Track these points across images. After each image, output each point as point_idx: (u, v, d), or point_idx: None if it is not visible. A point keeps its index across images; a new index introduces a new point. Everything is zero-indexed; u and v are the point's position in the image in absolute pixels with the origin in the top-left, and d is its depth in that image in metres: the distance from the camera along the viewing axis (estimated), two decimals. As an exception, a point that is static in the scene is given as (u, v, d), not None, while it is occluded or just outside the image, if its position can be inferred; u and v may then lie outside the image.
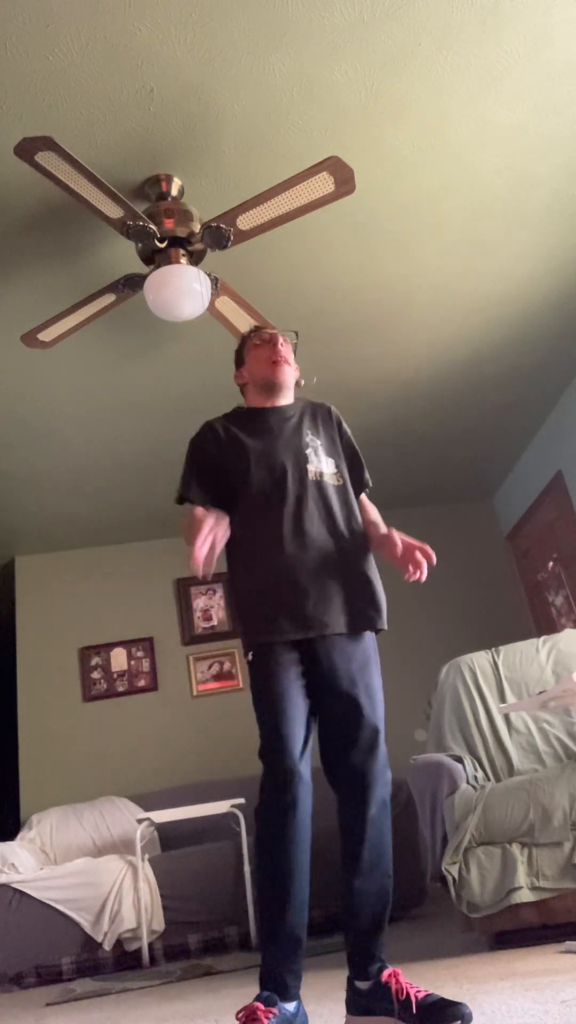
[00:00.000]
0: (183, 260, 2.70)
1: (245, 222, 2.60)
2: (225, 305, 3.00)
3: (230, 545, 1.94)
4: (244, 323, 3.08)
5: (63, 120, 2.41)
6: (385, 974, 1.56)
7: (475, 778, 2.78)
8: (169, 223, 2.65)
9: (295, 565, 1.83)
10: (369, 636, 1.86)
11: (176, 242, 2.69)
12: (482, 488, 5.61)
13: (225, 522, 1.84)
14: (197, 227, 2.69)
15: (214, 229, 2.63)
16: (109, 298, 2.89)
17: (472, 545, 5.60)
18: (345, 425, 2.14)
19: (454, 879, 2.43)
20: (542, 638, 3.25)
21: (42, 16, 2.13)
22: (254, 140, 2.60)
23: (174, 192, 2.69)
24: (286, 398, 2.11)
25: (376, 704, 1.78)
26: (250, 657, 1.85)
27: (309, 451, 1.98)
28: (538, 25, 2.39)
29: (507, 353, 4.06)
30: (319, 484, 1.94)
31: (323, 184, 2.51)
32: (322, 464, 1.98)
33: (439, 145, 2.76)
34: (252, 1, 2.19)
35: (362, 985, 1.60)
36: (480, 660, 3.21)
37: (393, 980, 1.54)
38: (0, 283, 3.01)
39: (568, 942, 2.17)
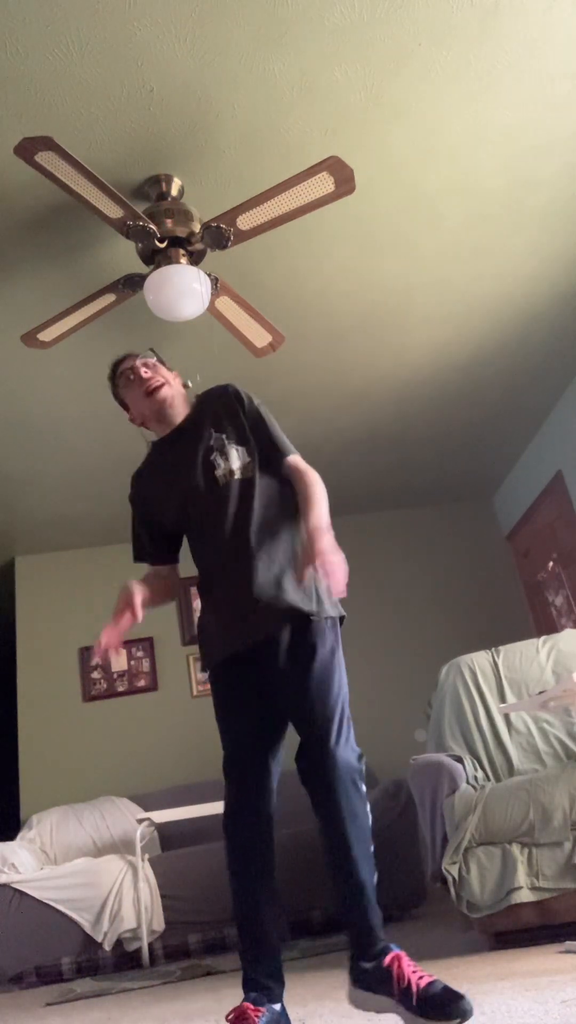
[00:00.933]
0: (183, 260, 2.70)
1: (245, 222, 2.60)
2: (225, 305, 3.00)
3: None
4: (244, 323, 3.08)
5: (63, 120, 2.41)
6: (388, 958, 1.53)
7: (475, 778, 2.78)
8: (169, 223, 2.65)
9: (222, 580, 1.85)
10: (315, 628, 1.77)
11: (176, 242, 2.69)
12: (482, 488, 5.61)
13: (139, 601, 1.85)
14: (197, 227, 2.69)
15: (214, 229, 2.63)
16: (109, 298, 2.89)
17: (472, 545, 5.60)
18: (246, 397, 2.00)
19: (454, 879, 2.43)
20: (542, 638, 3.25)
21: (42, 16, 2.13)
22: (254, 140, 2.60)
23: (174, 192, 2.69)
24: (182, 412, 2.05)
25: (326, 692, 1.72)
26: (208, 678, 1.89)
27: (214, 455, 1.92)
28: (538, 25, 2.39)
29: (507, 353, 4.06)
30: (229, 487, 1.89)
31: (323, 184, 2.50)
32: (230, 461, 1.91)
33: (439, 145, 2.76)
34: (252, 1, 2.19)
35: (365, 964, 1.57)
36: (480, 660, 3.21)
37: (395, 965, 1.51)
38: (0, 283, 3.01)
39: (568, 942, 2.17)
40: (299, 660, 1.75)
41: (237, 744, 1.80)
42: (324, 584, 1.69)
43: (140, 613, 1.86)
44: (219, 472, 1.91)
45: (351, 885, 1.63)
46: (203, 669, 1.90)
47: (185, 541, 2.05)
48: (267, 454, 1.94)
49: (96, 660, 1.82)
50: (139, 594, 1.88)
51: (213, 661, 1.86)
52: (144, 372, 2.05)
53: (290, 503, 1.89)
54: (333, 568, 1.59)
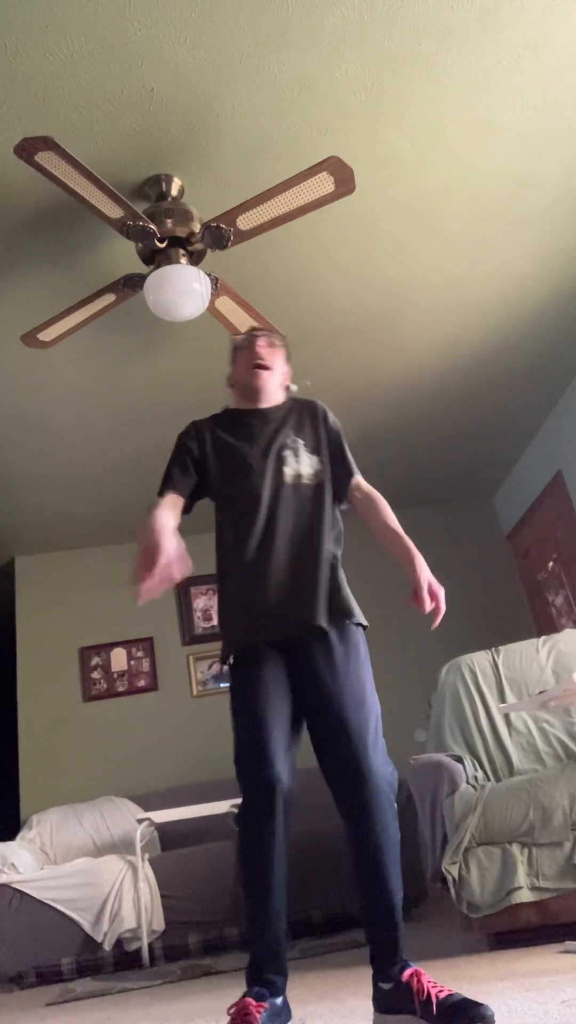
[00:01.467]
0: (183, 260, 2.70)
1: (245, 222, 2.60)
2: (225, 305, 3.00)
3: (216, 547, 1.99)
4: (244, 323, 3.08)
5: (63, 120, 2.41)
6: (406, 974, 1.56)
7: (475, 778, 2.78)
8: (169, 223, 2.65)
9: (267, 568, 1.85)
10: (351, 633, 1.85)
11: (176, 242, 2.69)
12: (482, 488, 5.61)
13: (185, 560, 1.78)
14: (197, 227, 2.69)
15: (214, 229, 2.63)
16: (109, 298, 2.89)
17: (472, 545, 5.60)
18: (331, 417, 2.12)
19: (454, 879, 2.43)
20: (542, 638, 3.25)
21: (42, 16, 2.13)
22: (254, 140, 2.60)
23: (174, 192, 2.69)
24: (268, 401, 2.11)
25: (361, 701, 1.75)
26: (230, 661, 1.87)
27: (287, 453, 1.98)
28: (538, 25, 2.39)
29: (507, 353, 4.06)
30: (295, 487, 1.94)
31: (323, 184, 2.50)
32: (301, 465, 1.98)
33: (439, 145, 2.76)
34: (252, 1, 2.19)
35: (385, 986, 1.60)
36: (480, 660, 3.21)
37: (415, 980, 1.53)
38: (0, 283, 3.01)
39: (568, 942, 2.17)
40: (334, 659, 1.78)
41: (263, 727, 1.74)
42: (437, 615, 1.89)
43: (173, 542, 1.75)
44: (288, 469, 1.96)
45: (382, 900, 1.65)
46: (228, 651, 1.86)
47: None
48: (338, 471, 2.04)
49: (141, 600, 1.70)
50: (170, 519, 1.81)
51: (248, 640, 1.83)
52: (261, 347, 2.11)
53: (335, 529, 1.98)
54: (442, 599, 1.88)
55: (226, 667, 1.89)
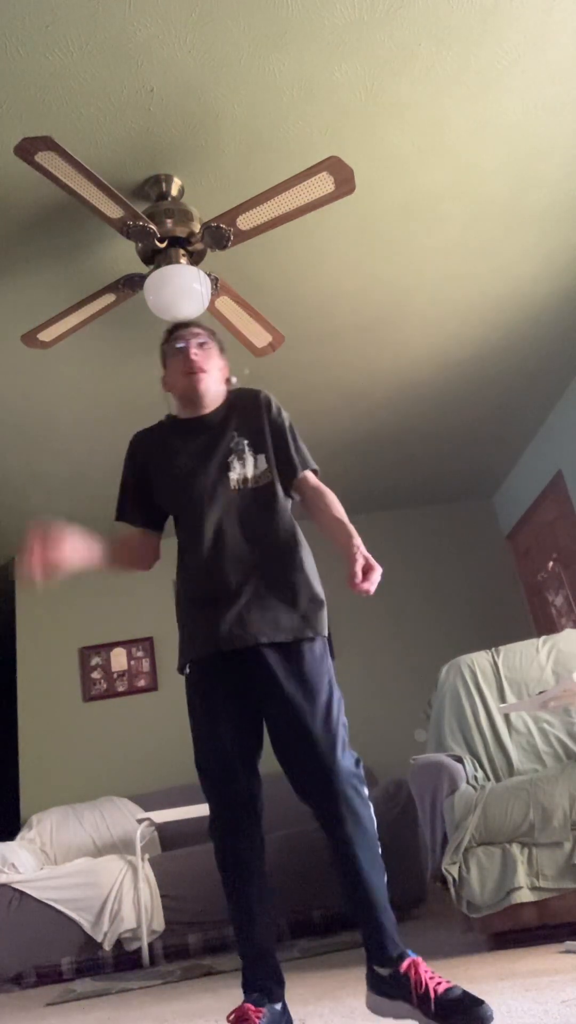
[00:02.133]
0: (183, 260, 2.70)
1: (245, 222, 2.60)
2: (225, 305, 3.00)
3: (178, 564, 1.96)
4: (244, 323, 3.08)
5: (63, 120, 2.41)
6: (405, 964, 1.53)
7: (475, 778, 2.78)
8: (169, 223, 2.65)
9: (218, 580, 1.81)
10: (307, 644, 1.77)
11: (176, 242, 2.69)
12: (482, 488, 5.61)
13: (81, 551, 1.80)
14: (197, 227, 2.69)
15: (214, 229, 2.63)
16: (109, 298, 2.89)
17: (472, 545, 5.60)
18: (275, 408, 2.00)
19: (454, 879, 2.43)
20: (542, 638, 3.25)
21: (42, 16, 2.13)
22: (254, 140, 2.60)
23: (174, 192, 2.69)
24: (210, 406, 2.01)
25: (319, 705, 1.70)
26: (185, 672, 1.85)
27: (231, 458, 1.91)
28: (538, 25, 2.39)
29: (507, 353, 4.06)
30: (241, 493, 1.88)
31: (323, 184, 2.50)
32: (247, 467, 1.90)
33: (439, 145, 2.75)
34: (252, 1, 2.19)
35: (382, 971, 1.57)
36: (480, 660, 3.21)
37: (412, 971, 1.50)
38: (0, 283, 3.01)
39: (568, 942, 2.17)
40: (288, 662, 1.73)
41: (221, 751, 1.74)
42: (369, 586, 1.73)
43: (61, 556, 1.78)
44: (233, 475, 1.90)
45: (362, 891, 1.63)
46: (181, 665, 1.85)
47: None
48: (283, 466, 1.94)
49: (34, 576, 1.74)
50: (69, 540, 1.80)
51: (198, 654, 1.80)
52: (194, 352, 1.99)
53: (293, 525, 1.89)
54: (377, 577, 1.73)
55: (183, 677, 1.86)
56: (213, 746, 1.76)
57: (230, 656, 1.77)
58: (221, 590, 1.81)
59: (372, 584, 1.73)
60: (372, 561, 1.76)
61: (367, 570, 1.74)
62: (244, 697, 1.77)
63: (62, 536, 1.81)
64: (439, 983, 1.47)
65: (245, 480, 1.89)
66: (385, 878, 1.66)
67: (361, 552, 1.77)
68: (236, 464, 1.91)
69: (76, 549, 1.84)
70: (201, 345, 2.02)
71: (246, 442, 1.94)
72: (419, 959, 1.53)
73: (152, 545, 2.06)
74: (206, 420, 2.00)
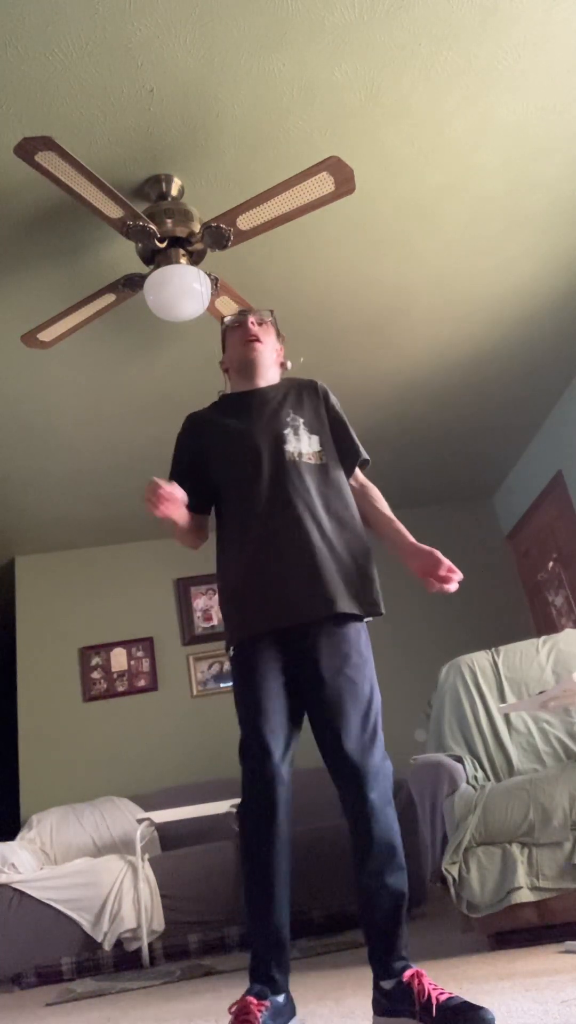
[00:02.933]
0: (183, 260, 2.70)
1: (245, 222, 2.60)
2: (225, 305, 3.00)
3: (217, 539, 1.96)
4: (244, 323, 3.08)
5: (63, 120, 2.41)
6: (408, 974, 1.53)
7: (475, 778, 2.78)
8: (169, 223, 2.65)
9: (270, 553, 1.81)
10: (355, 625, 1.80)
11: (176, 242, 2.70)
12: (482, 488, 5.61)
13: (182, 508, 1.84)
14: (197, 227, 2.69)
15: (214, 229, 2.63)
16: (109, 298, 2.89)
17: (472, 545, 5.60)
18: (333, 398, 2.09)
19: (454, 879, 2.43)
20: (542, 638, 3.25)
21: (42, 16, 2.13)
22: (254, 140, 2.60)
23: (174, 192, 2.69)
24: (266, 379, 2.08)
25: (362, 698, 1.73)
26: (231, 652, 1.84)
27: (288, 431, 1.94)
28: (539, 25, 2.39)
29: (507, 353, 4.06)
30: (296, 465, 1.89)
31: (323, 184, 2.50)
32: (302, 444, 1.93)
33: (439, 145, 2.76)
34: (252, 1, 2.19)
35: (386, 984, 1.57)
36: (480, 660, 3.21)
37: (415, 980, 1.50)
38: (0, 283, 3.01)
39: (568, 942, 2.17)
40: (338, 653, 1.74)
41: (263, 720, 1.73)
42: (450, 587, 1.85)
43: (182, 510, 1.82)
44: (288, 447, 1.91)
45: (387, 899, 1.64)
46: (231, 640, 1.84)
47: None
48: (343, 450, 2.00)
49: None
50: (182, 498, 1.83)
51: (244, 634, 1.80)
52: (252, 323, 2.09)
53: (351, 503, 1.93)
54: (456, 573, 1.86)
55: (229, 656, 1.86)
56: (257, 722, 1.74)
57: (280, 637, 1.78)
58: (274, 562, 1.80)
59: (454, 580, 1.86)
60: (446, 562, 1.87)
61: (451, 571, 1.85)
62: (288, 678, 1.78)
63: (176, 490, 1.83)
64: (441, 993, 1.48)
65: (300, 454, 1.92)
66: (407, 887, 1.68)
67: (440, 557, 1.87)
68: (292, 438, 1.93)
69: (183, 513, 1.86)
70: (260, 322, 2.12)
71: (302, 420, 1.98)
72: (422, 970, 1.54)
73: (204, 525, 2.03)
74: (263, 392, 2.04)
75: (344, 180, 2.51)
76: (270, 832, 1.69)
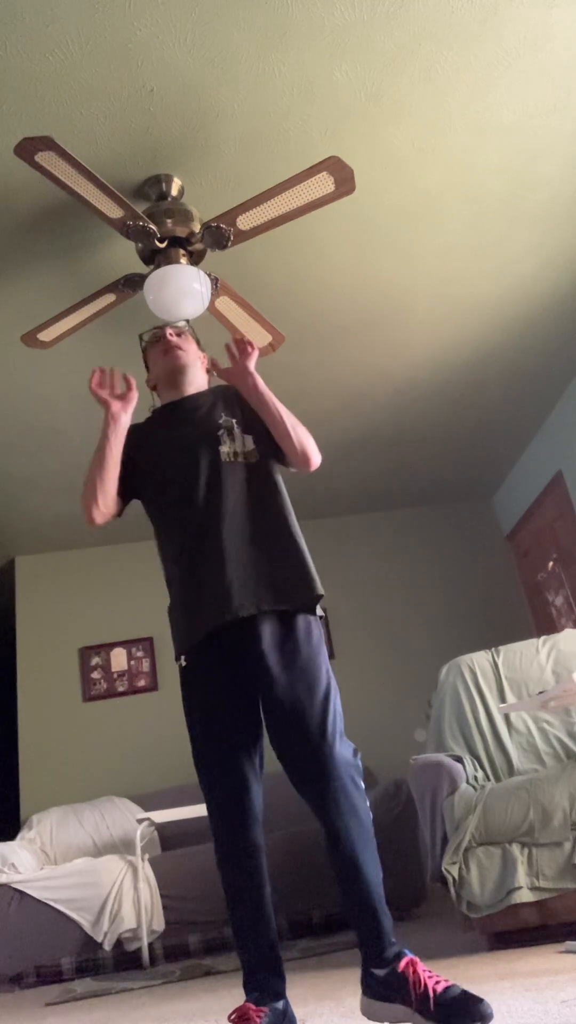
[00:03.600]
0: (183, 260, 2.70)
1: (245, 222, 2.60)
2: (225, 305, 3.00)
3: (159, 550, 1.96)
4: (244, 323, 3.08)
5: (63, 120, 2.41)
6: (403, 963, 1.49)
7: (475, 778, 2.78)
8: (169, 223, 2.65)
9: (211, 554, 1.81)
10: (302, 618, 1.78)
11: (176, 242, 2.69)
12: (482, 488, 5.61)
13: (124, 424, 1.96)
14: (197, 227, 2.69)
15: (214, 229, 2.63)
16: (109, 298, 2.89)
17: (472, 545, 5.60)
18: None
19: (454, 879, 2.43)
20: (542, 638, 3.25)
21: (42, 16, 2.13)
22: (254, 140, 2.60)
23: (174, 192, 2.69)
24: (195, 385, 2.10)
25: (318, 690, 1.70)
26: (181, 663, 1.83)
27: (222, 432, 1.95)
28: (538, 25, 2.39)
29: (507, 353, 4.06)
30: (232, 466, 1.90)
31: (323, 184, 2.50)
32: (236, 443, 1.94)
33: (439, 145, 2.76)
34: (252, 1, 2.19)
35: (378, 972, 1.53)
36: (480, 660, 3.21)
37: (411, 970, 1.47)
38: (0, 283, 3.01)
39: (568, 942, 2.17)
40: (284, 649, 1.73)
41: (220, 743, 1.74)
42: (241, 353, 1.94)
43: (119, 409, 1.95)
44: (224, 448, 1.92)
45: (359, 887, 1.60)
46: (177, 655, 1.84)
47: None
48: (272, 445, 1.98)
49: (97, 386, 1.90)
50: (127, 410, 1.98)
51: (192, 640, 1.79)
52: (170, 335, 2.12)
53: (286, 499, 1.93)
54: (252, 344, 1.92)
55: (180, 666, 1.84)
56: (211, 738, 1.75)
57: (227, 638, 1.76)
58: (215, 563, 1.80)
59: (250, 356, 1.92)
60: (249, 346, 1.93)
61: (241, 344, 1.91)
62: (241, 686, 1.77)
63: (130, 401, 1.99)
64: (438, 982, 1.44)
65: (236, 455, 1.93)
66: (381, 875, 1.63)
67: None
68: (226, 439, 1.94)
69: (123, 421, 1.96)
70: (178, 333, 2.15)
71: (234, 421, 1.99)
72: (416, 958, 1.51)
73: (114, 503, 1.99)
74: (192, 400, 2.06)
75: (344, 180, 2.50)
76: (243, 854, 1.70)
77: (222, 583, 1.77)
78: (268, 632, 1.75)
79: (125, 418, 1.95)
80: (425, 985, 1.43)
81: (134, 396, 1.99)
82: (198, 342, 2.22)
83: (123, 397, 1.98)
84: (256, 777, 1.75)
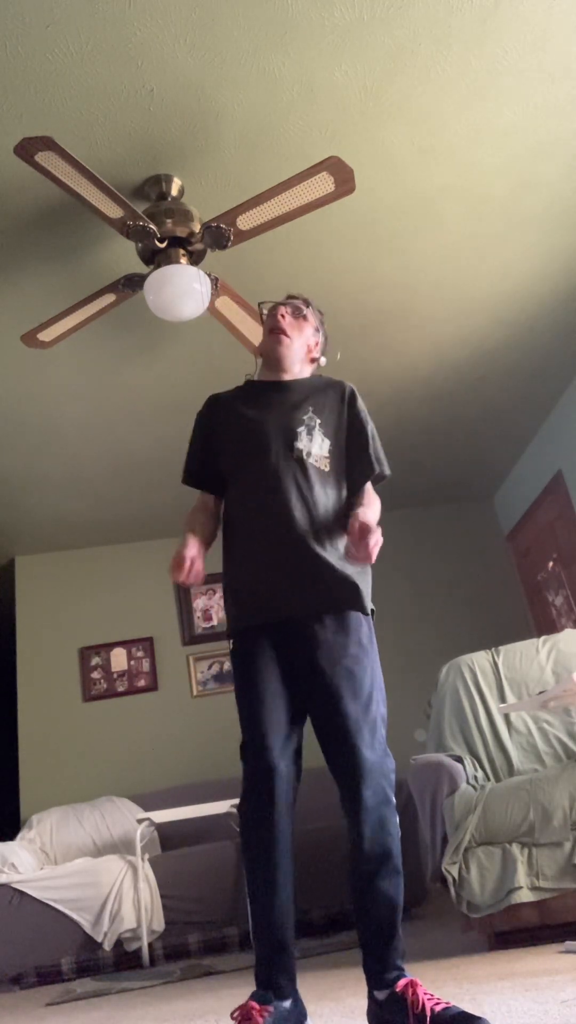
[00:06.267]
0: (183, 260, 2.70)
1: (245, 222, 2.60)
2: (225, 305, 3.00)
3: (223, 525, 1.94)
4: (244, 323, 3.08)
5: (63, 120, 2.41)
6: (401, 984, 1.48)
7: (475, 778, 2.78)
8: (169, 223, 2.65)
9: (270, 546, 1.79)
10: (354, 618, 1.77)
11: (176, 242, 2.69)
12: (482, 488, 5.61)
13: (201, 554, 1.87)
14: (197, 227, 2.69)
15: (214, 229, 2.63)
16: (109, 298, 2.89)
17: (472, 545, 5.60)
18: (360, 403, 2.01)
19: (454, 879, 2.43)
20: (542, 638, 3.25)
21: (42, 16, 2.13)
22: (254, 140, 2.60)
23: (174, 192, 2.69)
24: (292, 373, 2.03)
25: (361, 690, 1.69)
26: (231, 644, 1.83)
27: (301, 429, 1.89)
28: (538, 25, 2.39)
29: (507, 353, 4.06)
30: (302, 463, 1.86)
31: (323, 184, 2.50)
32: (314, 444, 1.89)
33: (439, 145, 2.75)
34: (252, 1, 2.19)
35: (379, 995, 1.52)
36: (480, 660, 3.21)
37: (409, 991, 1.45)
38: (0, 283, 3.01)
39: (568, 942, 2.17)
40: (336, 650, 1.72)
41: (262, 714, 1.71)
42: (369, 550, 1.70)
43: (199, 563, 1.84)
44: (298, 444, 1.88)
45: (378, 904, 1.58)
46: (233, 632, 1.82)
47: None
48: (358, 460, 1.94)
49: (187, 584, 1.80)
50: (193, 546, 1.85)
51: (246, 624, 1.79)
52: (282, 314, 2.04)
53: (343, 508, 1.88)
54: (377, 540, 1.70)
55: (230, 647, 1.83)
56: (255, 716, 1.72)
57: (279, 629, 1.76)
58: (273, 556, 1.78)
59: (372, 546, 1.70)
60: (371, 524, 1.73)
61: (363, 531, 1.71)
62: (288, 672, 1.75)
63: (193, 553, 1.85)
64: (437, 1003, 1.42)
65: (308, 454, 1.88)
66: (402, 896, 1.61)
67: (359, 517, 1.77)
68: (304, 437, 1.89)
69: (200, 555, 1.87)
70: (294, 312, 2.05)
71: (319, 421, 1.93)
72: (416, 979, 1.48)
73: (220, 510, 2.00)
74: (286, 386, 2.00)
75: (344, 180, 2.50)
76: (268, 824, 1.65)
77: (274, 581, 1.76)
78: (319, 629, 1.74)
79: (196, 554, 1.87)
80: (423, 1006, 1.42)
81: (187, 556, 1.85)
82: (318, 328, 2.11)
83: (193, 568, 1.85)
84: (295, 760, 1.73)
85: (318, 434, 1.91)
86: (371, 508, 1.88)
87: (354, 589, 1.78)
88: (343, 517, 1.86)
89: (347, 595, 1.77)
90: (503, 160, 2.87)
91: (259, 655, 1.76)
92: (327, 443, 1.91)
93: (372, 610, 1.82)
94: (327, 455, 1.90)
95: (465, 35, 2.38)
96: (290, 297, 2.12)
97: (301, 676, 1.75)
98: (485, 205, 3.06)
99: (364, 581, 1.82)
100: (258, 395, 2.00)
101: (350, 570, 1.80)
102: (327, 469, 1.89)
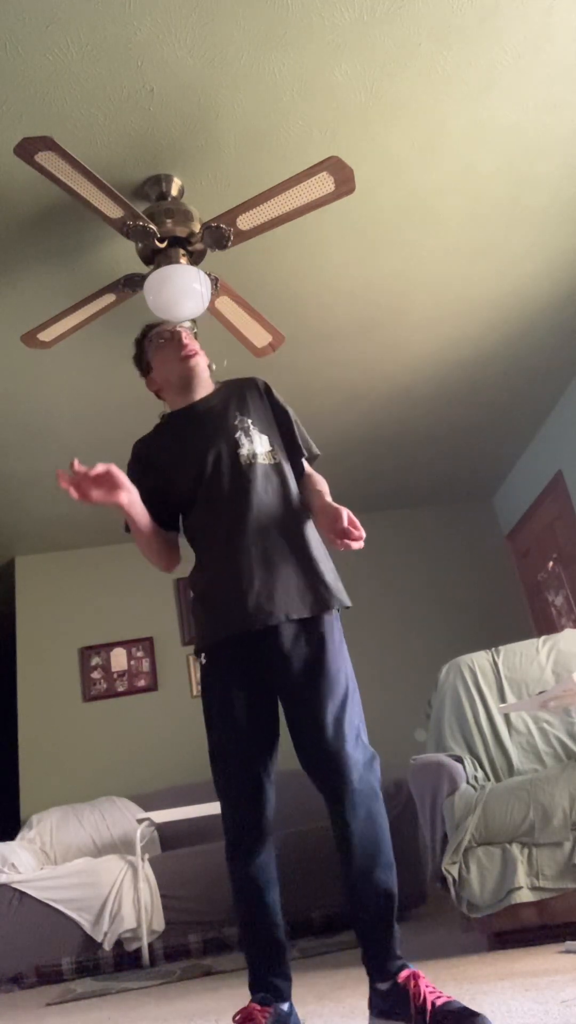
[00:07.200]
0: (183, 260, 2.70)
1: (245, 222, 2.60)
2: (225, 305, 3.00)
3: (191, 545, 1.94)
4: (244, 323, 3.08)
5: (63, 120, 2.41)
6: (403, 975, 1.49)
7: (475, 778, 2.78)
8: (169, 223, 2.65)
9: (236, 559, 1.79)
10: (325, 619, 1.77)
11: (176, 242, 2.70)
12: (482, 488, 5.61)
13: (137, 502, 1.85)
14: (197, 227, 2.69)
15: (214, 229, 2.63)
16: (109, 298, 2.89)
17: (472, 545, 5.60)
18: (276, 393, 2.04)
19: (454, 879, 2.43)
20: (542, 638, 3.25)
21: (42, 16, 2.13)
22: (254, 140, 2.60)
23: (174, 192, 2.69)
24: (205, 388, 2.05)
25: (338, 688, 1.69)
26: (202, 660, 1.81)
27: (239, 434, 1.91)
28: (538, 25, 2.39)
29: (507, 353, 4.06)
30: (252, 468, 1.87)
31: (323, 184, 2.50)
32: (255, 444, 1.90)
33: (439, 145, 2.76)
34: (252, 1, 2.19)
35: (382, 986, 1.53)
36: (480, 660, 3.21)
37: (411, 982, 1.46)
38: (0, 283, 3.01)
39: (568, 942, 2.17)
40: (305, 649, 1.71)
41: (237, 746, 1.72)
42: (354, 544, 1.71)
43: (126, 497, 1.79)
44: (243, 451, 1.89)
45: (374, 897, 1.59)
46: (198, 650, 1.83)
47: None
48: (290, 447, 1.97)
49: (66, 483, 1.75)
50: (133, 492, 1.80)
51: (216, 638, 1.78)
52: (186, 337, 2.04)
53: (302, 501, 1.91)
54: (360, 530, 1.72)
55: (200, 663, 1.82)
56: (228, 736, 1.73)
57: (250, 639, 1.75)
58: (240, 567, 1.78)
59: (357, 536, 1.72)
60: (343, 510, 1.75)
61: (351, 521, 1.73)
62: (261, 684, 1.75)
63: (124, 483, 1.80)
64: (438, 996, 1.43)
65: (254, 456, 1.89)
66: (396, 887, 1.61)
67: (333, 506, 1.79)
68: (244, 441, 1.90)
69: (134, 500, 1.83)
70: (190, 332, 2.09)
71: (249, 421, 1.95)
72: (419, 971, 1.49)
73: (175, 544, 2.00)
74: (206, 401, 2.01)
75: (344, 180, 2.50)
76: (255, 868, 1.69)
77: (246, 591, 1.75)
78: (290, 633, 1.73)
79: (132, 496, 1.84)
80: (425, 998, 1.42)
81: (120, 476, 1.80)
82: (196, 337, 2.18)
83: (111, 483, 1.79)
84: (270, 778, 1.74)
85: (255, 433, 1.93)
86: (327, 492, 1.91)
87: (326, 588, 1.78)
88: (304, 509, 1.89)
89: (319, 596, 1.77)
90: (502, 160, 2.87)
91: (231, 683, 1.75)
92: (265, 438, 1.94)
93: (347, 606, 1.82)
94: (269, 448, 1.93)
95: (465, 35, 2.38)
96: (156, 326, 2.12)
97: (275, 684, 1.75)
98: (485, 205, 3.06)
99: (335, 579, 1.83)
100: (184, 423, 2.00)
101: (322, 567, 1.81)
102: (274, 463, 1.91)
